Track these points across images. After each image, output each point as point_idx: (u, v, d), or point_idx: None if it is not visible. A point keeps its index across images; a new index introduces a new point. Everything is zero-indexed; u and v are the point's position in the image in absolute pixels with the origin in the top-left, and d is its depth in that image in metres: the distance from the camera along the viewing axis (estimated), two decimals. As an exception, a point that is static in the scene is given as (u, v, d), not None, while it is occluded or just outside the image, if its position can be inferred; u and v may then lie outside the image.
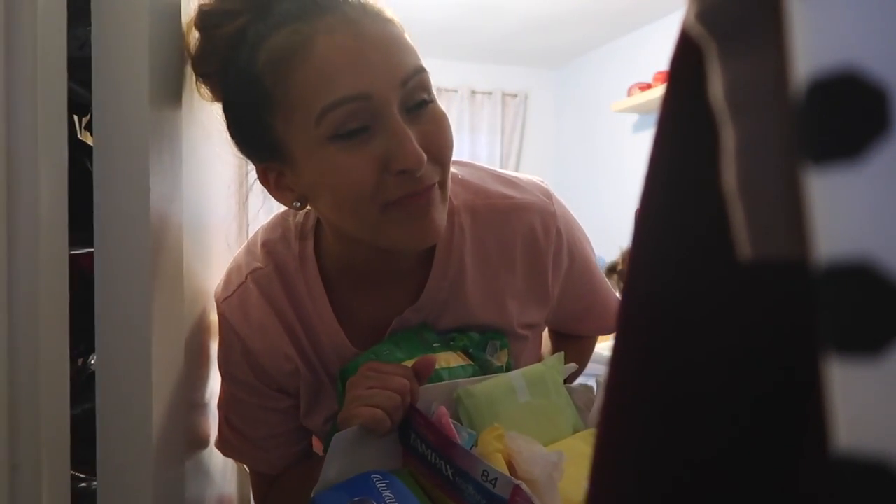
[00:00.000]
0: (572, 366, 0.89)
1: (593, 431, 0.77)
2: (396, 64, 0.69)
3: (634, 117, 3.83)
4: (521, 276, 0.87)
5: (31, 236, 0.58)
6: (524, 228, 0.85)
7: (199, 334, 0.91)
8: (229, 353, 0.85)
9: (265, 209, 0.99)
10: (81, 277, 0.70)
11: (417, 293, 0.84)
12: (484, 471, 0.65)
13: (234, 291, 0.84)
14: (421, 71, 0.71)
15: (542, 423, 0.80)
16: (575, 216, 0.94)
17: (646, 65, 3.56)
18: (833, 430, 0.20)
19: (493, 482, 0.64)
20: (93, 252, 0.67)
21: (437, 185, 0.72)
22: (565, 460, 0.69)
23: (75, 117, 0.88)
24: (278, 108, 0.70)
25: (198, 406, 0.92)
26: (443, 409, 0.74)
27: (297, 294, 0.83)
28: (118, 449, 0.68)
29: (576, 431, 0.82)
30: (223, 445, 0.91)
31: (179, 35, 0.79)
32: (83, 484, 0.80)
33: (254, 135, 0.75)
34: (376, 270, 0.83)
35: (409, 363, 0.77)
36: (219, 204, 1.05)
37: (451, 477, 0.69)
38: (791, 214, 0.25)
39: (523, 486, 0.63)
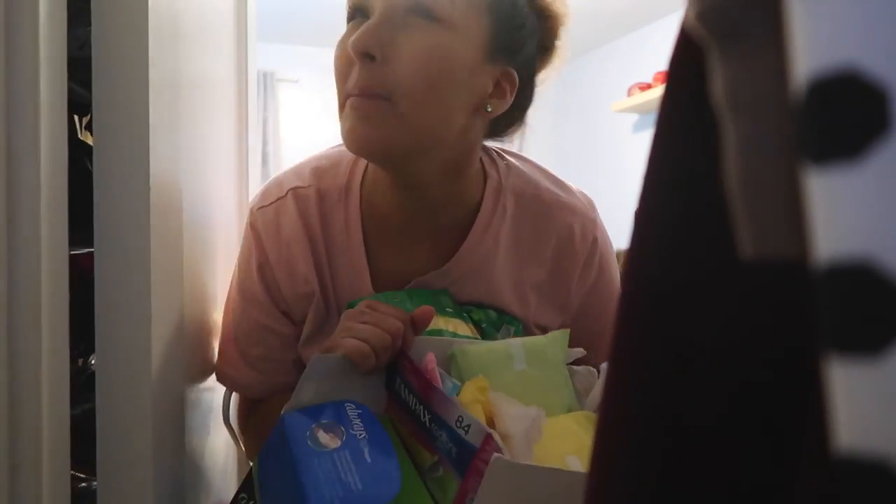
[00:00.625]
0: (579, 350, 0.87)
1: (588, 414, 0.76)
2: None
3: (634, 117, 3.83)
4: (547, 273, 0.88)
5: (31, 236, 0.58)
6: (563, 227, 0.87)
7: (199, 334, 0.91)
8: (247, 264, 0.87)
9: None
10: (81, 277, 0.70)
11: (446, 259, 0.85)
12: (459, 416, 0.64)
13: (272, 203, 0.86)
14: None
15: (534, 394, 0.77)
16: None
17: (646, 65, 3.56)
18: (833, 431, 0.20)
19: (467, 429, 0.63)
20: (93, 252, 0.67)
21: (379, 97, 0.72)
22: (552, 434, 0.67)
23: (75, 117, 0.88)
24: None
25: (198, 406, 0.92)
26: (431, 356, 0.73)
27: (332, 223, 0.85)
28: (118, 449, 0.68)
29: (569, 411, 0.79)
30: (219, 365, 0.92)
31: (179, 34, 0.79)
32: (83, 484, 0.80)
33: None
34: (409, 222, 0.84)
35: None
36: (219, 203, 1.05)
37: (427, 423, 0.68)
38: (791, 214, 0.25)
39: (495, 435, 0.62)
